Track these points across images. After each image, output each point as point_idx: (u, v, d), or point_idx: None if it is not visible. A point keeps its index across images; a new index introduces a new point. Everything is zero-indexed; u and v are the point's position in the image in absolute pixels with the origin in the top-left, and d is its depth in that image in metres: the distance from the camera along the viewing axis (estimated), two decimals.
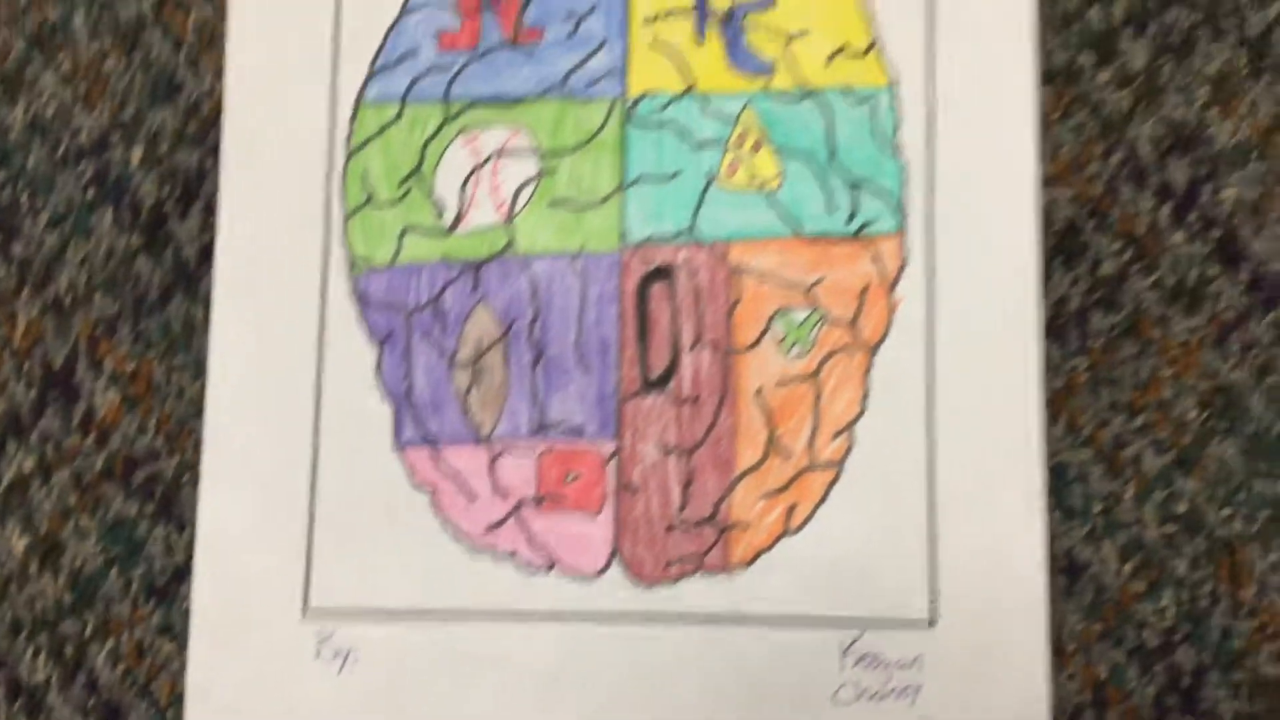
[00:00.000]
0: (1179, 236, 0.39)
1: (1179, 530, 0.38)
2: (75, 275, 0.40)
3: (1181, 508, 0.38)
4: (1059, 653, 0.37)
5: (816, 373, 0.38)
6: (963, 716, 0.37)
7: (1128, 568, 0.37)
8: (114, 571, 0.39)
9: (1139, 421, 0.38)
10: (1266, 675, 0.37)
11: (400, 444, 0.39)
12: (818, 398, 0.38)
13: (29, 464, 0.40)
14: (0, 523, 0.40)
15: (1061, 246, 0.39)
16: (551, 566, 0.38)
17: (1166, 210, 0.39)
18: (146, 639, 0.39)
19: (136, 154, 0.41)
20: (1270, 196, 0.38)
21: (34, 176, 0.41)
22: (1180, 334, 0.38)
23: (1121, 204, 0.39)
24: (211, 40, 0.41)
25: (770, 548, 0.38)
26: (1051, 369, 0.38)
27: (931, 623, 0.37)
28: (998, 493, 0.37)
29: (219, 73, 0.40)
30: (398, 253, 0.39)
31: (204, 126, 0.40)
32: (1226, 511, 0.37)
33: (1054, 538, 0.37)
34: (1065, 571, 0.37)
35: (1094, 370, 0.38)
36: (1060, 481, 0.38)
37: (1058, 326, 0.38)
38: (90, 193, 0.41)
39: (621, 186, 0.39)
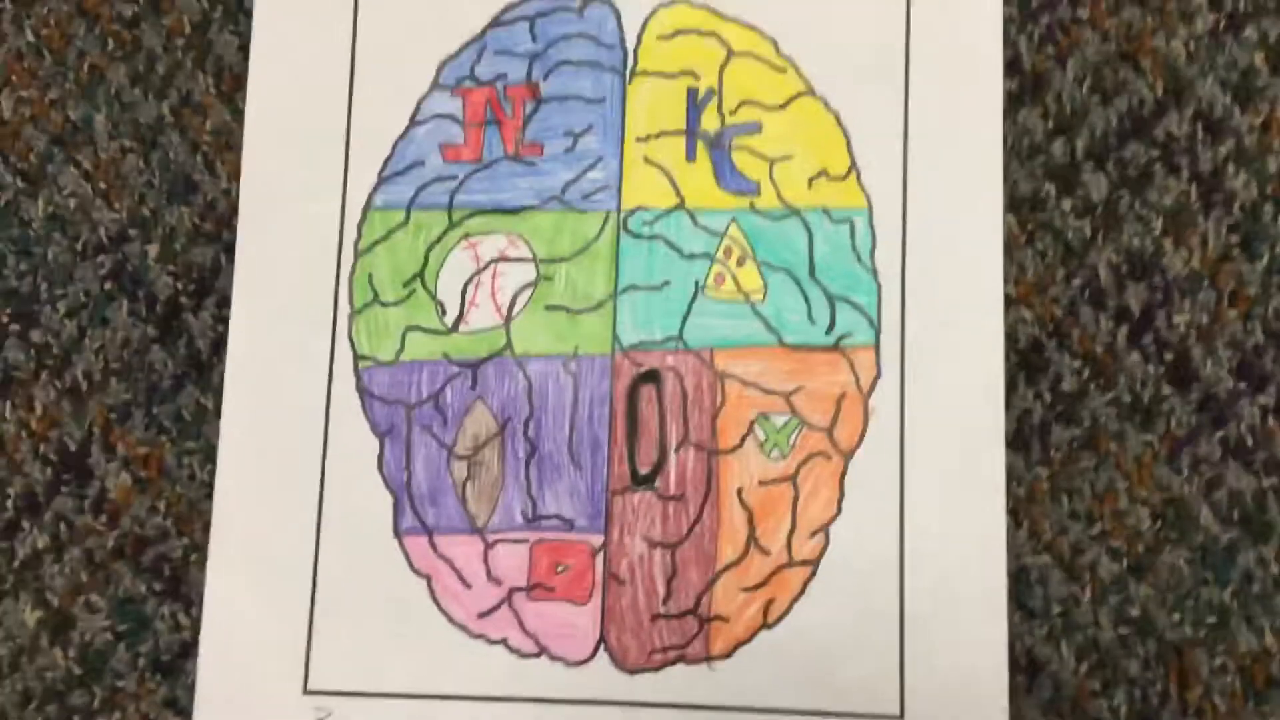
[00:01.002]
0: (1135, 357, 0.41)
1: (1132, 633, 0.40)
2: (91, 363, 0.42)
3: (1134, 611, 0.40)
4: None
5: (795, 475, 0.41)
6: None
7: (1084, 667, 0.40)
8: (122, 646, 0.41)
9: (1096, 529, 0.40)
10: None
11: (399, 532, 0.41)
12: (796, 499, 0.41)
13: (42, 541, 0.42)
14: (14, 597, 0.41)
15: (1025, 363, 0.41)
16: (541, 653, 0.40)
17: (1123, 332, 0.41)
18: (152, 712, 0.41)
19: (153, 249, 0.43)
20: (1220, 322, 0.41)
21: (54, 268, 0.43)
22: (1135, 448, 0.41)
23: (1081, 325, 0.41)
24: (228, 143, 0.43)
25: (749, 640, 0.40)
26: (1014, 478, 0.41)
27: (900, 716, 0.39)
28: (963, 593, 0.40)
29: (234, 174, 0.43)
30: (401, 350, 0.42)
31: (219, 224, 0.43)
32: (1176, 616, 0.40)
33: (1015, 637, 0.40)
34: (1025, 669, 0.40)
35: (1054, 480, 0.41)
36: (1022, 584, 0.40)
37: (1021, 438, 0.41)
38: (108, 285, 0.43)
39: (614, 294, 0.42)
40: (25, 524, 0.42)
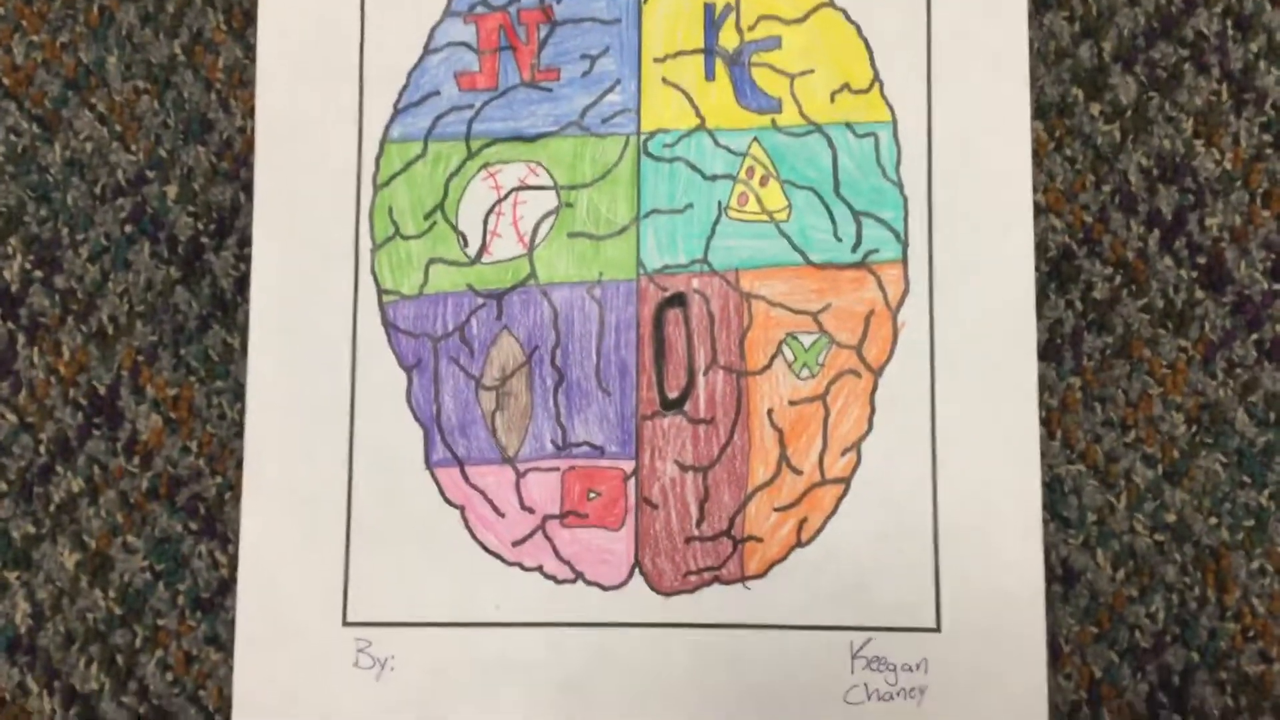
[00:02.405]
0: (1167, 262, 0.41)
1: (1168, 539, 0.40)
2: (116, 306, 0.42)
3: (1170, 518, 0.40)
4: (1056, 654, 0.39)
5: (825, 394, 0.41)
6: (966, 715, 0.39)
7: (1120, 574, 0.40)
8: (161, 585, 0.41)
9: (1130, 437, 0.40)
10: (1250, 674, 0.39)
11: (431, 464, 0.41)
12: (826, 417, 0.41)
13: (77, 485, 0.42)
14: (51, 541, 0.42)
15: (1055, 272, 0.41)
16: (576, 578, 0.40)
17: (1155, 237, 0.41)
18: (194, 649, 0.41)
19: (172, 190, 0.42)
20: (1253, 223, 0.41)
21: (74, 213, 0.43)
22: (1169, 354, 0.40)
23: (1112, 231, 0.41)
24: (241, 80, 0.43)
25: (783, 559, 0.40)
26: (1047, 388, 0.40)
27: (936, 628, 0.39)
28: (997, 505, 0.40)
29: (249, 111, 0.42)
30: (424, 283, 0.41)
31: (236, 163, 0.42)
32: (1213, 521, 0.40)
33: (1050, 546, 0.40)
34: (1061, 578, 0.40)
35: (1087, 389, 0.40)
36: (1056, 494, 0.40)
37: (1053, 348, 0.40)
38: (128, 228, 0.42)
39: (637, 218, 0.41)
40: (59, 469, 0.42)
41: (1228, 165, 0.41)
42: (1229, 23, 0.41)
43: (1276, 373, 0.40)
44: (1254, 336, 0.40)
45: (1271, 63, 0.41)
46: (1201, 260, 0.41)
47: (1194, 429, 0.40)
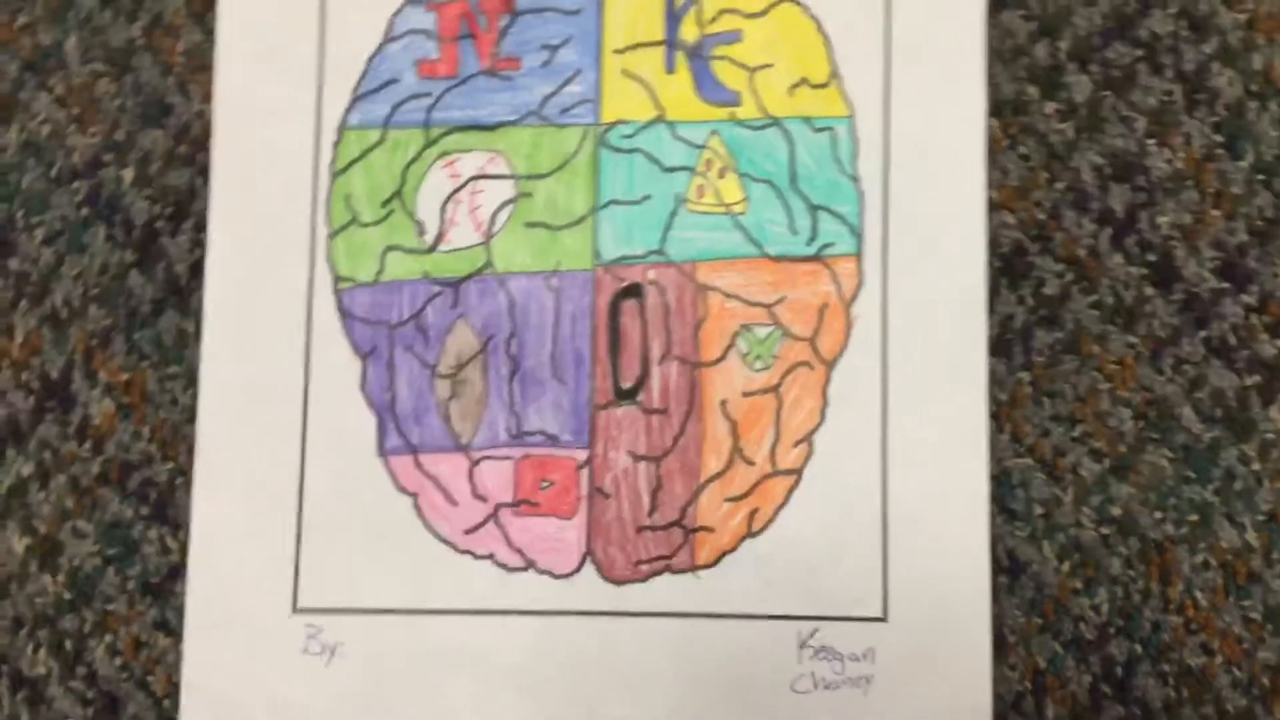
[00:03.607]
0: (1118, 259, 0.41)
1: (1113, 532, 0.40)
2: (71, 290, 0.42)
3: (1116, 511, 0.40)
4: (1001, 645, 0.40)
5: (778, 386, 0.41)
6: (911, 704, 0.39)
7: (1066, 566, 0.40)
8: (111, 570, 0.41)
9: (1078, 431, 0.41)
10: (1192, 666, 0.40)
11: (384, 451, 0.41)
12: (779, 409, 0.41)
13: (28, 469, 0.42)
14: (1, 525, 0.41)
15: (1008, 268, 0.41)
16: (528, 566, 0.41)
17: (1106, 235, 0.41)
18: (143, 634, 0.41)
19: (128, 174, 0.42)
20: (1203, 223, 0.41)
21: (29, 195, 0.42)
22: (1118, 350, 0.41)
23: (1064, 228, 0.41)
24: (200, 65, 0.42)
25: (734, 549, 0.41)
26: (997, 382, 0.41)
27: (883, 618, 0.40)
28: (946, 497, 0.40)
29: (207, 96, 0.42)
30: (381, 271, 0.41)
31: (194, 147, 0.42)
32: (1157, 515, 0.40)
33: (997, 538, 0.40)
34: (1008, 570, 0.40)
35: (1036, 383, 0.41)
36: (1004, 487, 0.40)
37: (1003, 342, 0.41)
38: (84, 211, 0.42)
39: (594, 209, 0.41)
40: (10, 452, 0.42)
41: (1179, 165, 0.41)
42: (1183, 24, 0.42)
43: (1223, 370, 0.41)
44: (1202, 334, 0.41)
45: (1224, 64, 0.42)
46: (1152, 258, 0.41)
47: (1141, 425, 0.41)
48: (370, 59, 0.42)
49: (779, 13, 0.42)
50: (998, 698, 0.40)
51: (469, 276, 0.41)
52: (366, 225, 0.42)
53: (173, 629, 0.41)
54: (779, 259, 0.41)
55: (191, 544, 0.41)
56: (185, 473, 0.41)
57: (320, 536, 0.41)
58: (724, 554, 0.41)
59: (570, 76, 0.42)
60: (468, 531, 0.41)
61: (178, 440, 0.41)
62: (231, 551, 0.41)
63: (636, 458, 0.41)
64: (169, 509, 0.41)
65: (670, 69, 0.42)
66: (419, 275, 0.41)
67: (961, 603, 0.40)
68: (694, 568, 0.40)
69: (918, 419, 0.40)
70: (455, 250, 0.42)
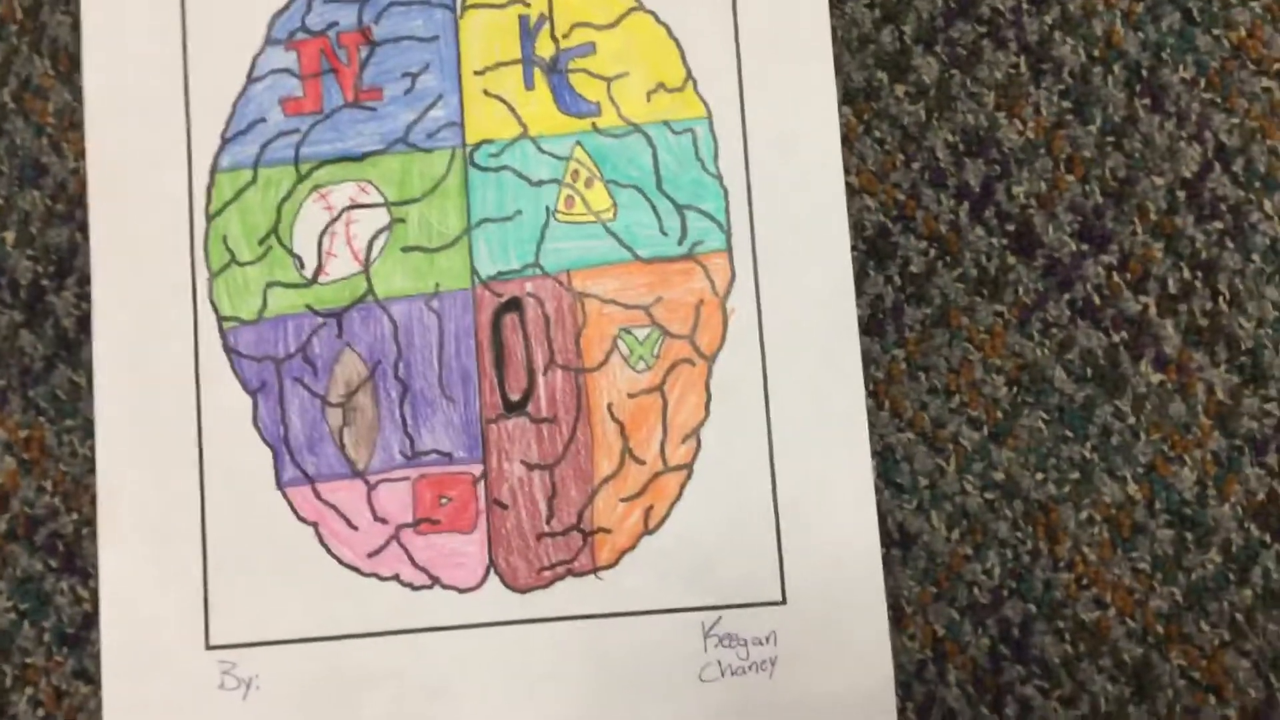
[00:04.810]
0: (978, 231, 0.42)
1: (998, 497, 0.41)
2: None
3: (998, 476, 0.41)
4: (899, 616, 0.41)
5: (662, 384, 0.42)
6: (816, 682, 0.40)
7: (955, 534, 0.41)
8: (26, 624, 0.42)
9: (954, 402, 0.42)
10: (1086, 621, 0.41)
11: (282, 484, 0.42)
12: (665, 407, 0.42)
13: None
14: None
15: (872, 249, 0.42)
16: (433, 584, 0.41)
17: (965, 209, 0.42)
18: (63, 684, 0.42)
19: (10, 235, 0.43)
20: (1058, 189, 0.42)
21: None
22: (985, 320, 0.42)
23: (924, 206, 0.42)
24: (71, 123, 0.43)
25: (633, 547, 0.41)
26: (872, 361, 0.42)
27: (782, 601, 0.41)
28: (833, 477, 0.41)
29: (81, 153, 0.43)
30: (264, 307, 0.42)
31: (71, 204, 0.43)
32: (1039, 477, 0.41)
33: (886, 513, 0.41)
34: (899, 542, 0.41)
35: (910, 359, 0.42)
36: (888, 461, 0.41)
37: (875, 322, 0.42)
38: None
39: (468, 228, 0.42)
40: None
41: (1030, 135, 0.42)
42: None
43: (1090, 330, 0.42)
44: (1066, 297, 0.42)
45: (1066, 33, 0.43)
46: (1011, 228, 0.42)
47: (1015, 390, 0.42)
48: (236, 101, 0.43)
49: (630, 22, 0.43)
50: (899, 668, 0.41)
51: (351, 305, 0.42)
52: (245, 264, 0.42)
53: (91, 677, 0.41)
54: (652, 261, 0.42)
55: (102, 591, 0.41)
56: (90, 522, 0.42)
57: (227, 573, 0.41)
58: (624, 553, 0.41)
59: (433, 101, 0.43)
60: (371, 555, 0.42)
61: (80, 491, 0.42)
62: (141, 595, 0.41)
63: (530, 467, 0.42)
64: (77, 559, 0.42)
65: (529, 85, 0.43)
66: (302, 308, 0.42)
67: (857, 579, 0.41)
68: (595, 569, 0.41)
69: (799, 404, 0.41)
70: (335, 281, 0.42)
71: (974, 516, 0.41)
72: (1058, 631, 0.41)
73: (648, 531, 0.41)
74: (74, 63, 0.43)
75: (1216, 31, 0.43)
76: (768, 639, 0.41)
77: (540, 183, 0.42)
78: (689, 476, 0.42)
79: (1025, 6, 0.43)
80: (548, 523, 0.42)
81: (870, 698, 0.40)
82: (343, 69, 0.43)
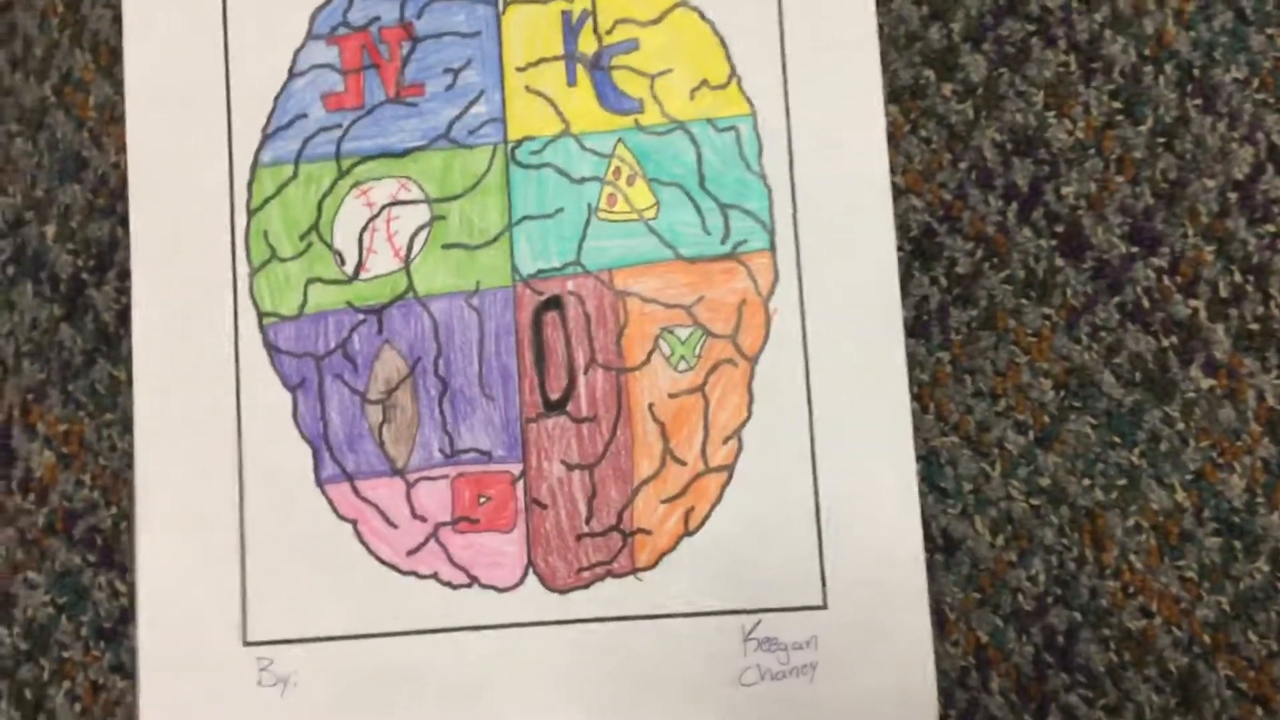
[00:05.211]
0: (1026, 233, 0.42)
1: (1044, 502, 0.41)
2: (3, 347, 0.43)
3: (1044, 482, 0.41)
4: (941, 622, 0.40)
5: (703, 385, 0.41)
6: (857, 688, 0.40)
7: (999, 540, 0.41)
8: (64, 618, 0.42)
9: (1000, 405, 0.41)
10: (1132, 629, 0.40)
11: (321, 481, 0.41)
12: (706, 407, 0.41)
13: None
14: None
15: (918, 250, 0.42)
16: (471, 583, 0.41)
17: (1013, 210, 0.42)
18: (100, 678, 0.42)
19: (51, 230, 0.43)
20: (1108, 190, 0.42)
21: None
22: (1033, 322, 0.41)
23: (971, 207, 0.42)
24: (112, 117, 0.43)
25: (673, 549, 0.41)
26: (917, 364, 0.41)
27: (824, 605, 0.40)
28: (876, 480, 0.41)
29: (122, 147, 0.43)
30: (304, 303, 0.42)
31: (112, 198, 0.43)
32: (1086, 482, 0.41)
33: (930, 517, 0.41)
34: (942, 548, 0.41)
35: (956, 362, 0.41)
36: (932, 466, 0.41)
37: (920, 324, 0.41)
38: (10, 269, 0.43)
39: (509, 225, 0.42)
40: None
41: (1080, 135, 0.42)
42: None
43: (1139, 334, 0.41)
44: (1115, 300, 0.41)
45: (1117, 31, 0.42)
46: (1059, 229, 0.42)
47: (1062, 394, 0.41)
48: (277, 96, 0.43)
49: (674, 18, 0.42)
50: (942, 674, 0.40)
51: (391, 302, 0.42)
52: (286, 260, 0.42)
53: (128, 671, 0.41)
54: (694, 260, 0.42)
55: (139, 586, 0.41)
56: (128, 517, 0.42)
57: (265, 569, 0.41)
58: (663, 555, 0.41)
59: (474, 98, 0.42)
60: (410, 553, 0.41)
61: (119, 486, 0.42)
62: (179, 590, 0.41)
63: (570, 466, 0.41)
64: (115, 554, 0.42)
65: (572, 82, 0.42)
66: (342, 305, 0.42)
67: (899, 584, 0.40)
68: (635, 570, 0.41)
69: (842, 406, 0.41)
70: (376, 277, 0.42)
71: (1019, 522, 0.41)
72: (1103, 640, 0.40)
73: (688, 533, 0.41)
74: (115, 56, 0.43)
75: (1270, 31, 0.42)
76: (808, 643, 0.40)
77: (582, 180, 0.42)
78: (730, 478, 0.41)
79: (1075, 4, 0.42)
80: (587, 523, 0.41)
81: (912, 704, 0.40)
82: (384, 64, 0.43)
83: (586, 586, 0.41)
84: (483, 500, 0.41)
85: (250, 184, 0.42)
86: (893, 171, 0.42)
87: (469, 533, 0.41)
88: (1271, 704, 0.40)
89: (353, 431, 0.42)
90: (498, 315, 0.42)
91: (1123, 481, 0.41)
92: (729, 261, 0.42)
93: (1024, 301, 0.41)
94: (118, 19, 0.43)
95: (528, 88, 0.42)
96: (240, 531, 0.41)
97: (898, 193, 0.42)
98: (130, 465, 0.42)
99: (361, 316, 0.42)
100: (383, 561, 0.41)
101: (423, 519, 0.41)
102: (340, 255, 0.42)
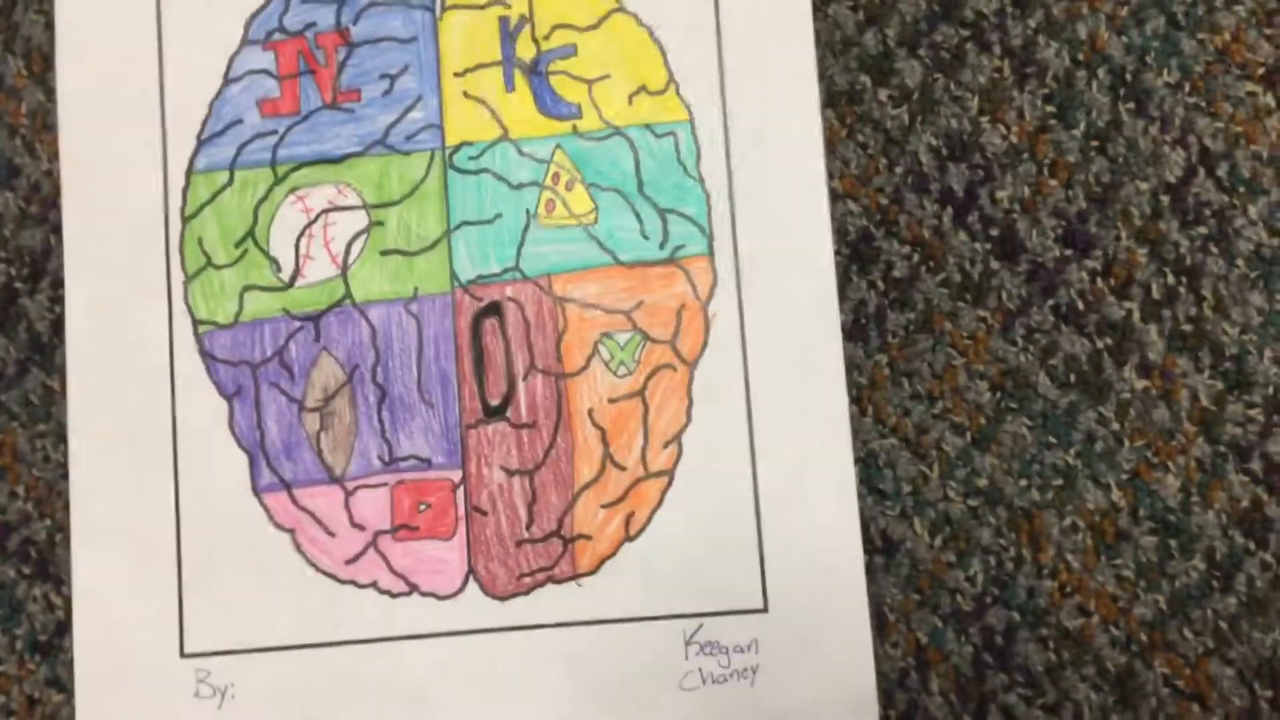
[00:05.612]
0: (962, 236, 0.42)
1: (981, 504, 0.41)
2: None
3: (982, 483, 0.41)
4: (881, 624, 0.41)
5: (643, 390, 0.41)
6: (798, 690, 0.40)
7: (938, 541, 0.41)
8: None
9: (938, 407, 0.41)
10: (1070, 628, 0.41)
11: (258, 490, 0.41)
12: (646, 412, 0.41)
13: None
14: None
15: (856, 254, 0.42)
16: (411, 591, 0.41)
17: (948, 214, 0.42)
18: (35, 692, 0.41)
19: None
20: (1042, 193, 0.42)
21: None
22: (969, 325, 0.42)
23: (907, 211, 0.42)
24: (45, 124, 0.43)
25: (614, 554, 0.41)
26: (855, 366, 0.41)
27: (764, 608, 0.40)
28: (814, 483, 0.41)
29: (55, 154, 0.42)
30: (240, 311, 0.42)
31: (45, 206, 0.42)
32: (1023, 483, 0.41)
33: (869, 519, 0.41)
34: (881, 549, 0.41)
35: (893, 364, 0.42)
36: (871, 468, 0.41)
37: (858, 327, 0.42)
38: None
39: (448, 231, 0.42)
40: None
41: (1014, 139, 0.42)
42: (1008, 1, 0.43)
43: (1073, 336, 0.41)
44: (1050, 302, 0.42)
45: (1050, 37, 0.43)
46: (994, 233, 0.42)
47: (998, 396, 0.41)
48: (212, 102, 0.42)
49: (611, 24, 0.42)
50: (882, 676, 0.40)
51: (329, 309, 0.42)
52: (222, 267, 0.42)
53: (64, 685, 0.41)
54: (633, 265, 0.42)
55: (75, 598, 0.41)
56: (64, 529, 0.41)
57: (202, 579, 0.41)
58: (604, 560, 0.41)
59: (412, 103, 0.42)
60: (348, 562, 0.41)
61: (53, 497, 0.42)
62: (115, 602, 0.41)
63: (510, 473, 0.41)
64: (50, 566, 0.41)
65: (510, 87, 0.42)
66: (278, 312, 0.42)
67: (839, 586, 0.40)
68: (575, 576, 0.41)
69: (781, 410, 0.41)
70: (313, 284, 0.42)
71: (957, 523, 0.41)
72: (1041, 639, 0.41)
73: (628, 538, 0.41)
74: (47, 63, 0.43)
75: (1201, 35, 0.43)
76: (749, 647, 0.40)
77: (521, 186, 0.42)
78: (670, 483, 0.41)
79: (1009, 10, 0.43)
80: (527, 529, 0.41)
81: (853, 706, 0.40)
82: (321, 70, 0.42)
83: (527, 593, 0.41)
84: (422, 508, 0.41)
85: (185, 191, 0.42)
86: (830, 176, 0.42)
87: (409, 540, 0.41)
88: (1208, 701, 0.40)
89: (290, 440, 0.41)
90: (436, 322, 0.42)
91: (1059, 482, 0.41)
92: (668, 266, 0.42)
93: (960, 304, 0.42)
94: (50, 25, 0.43)
95: (465, 93, 0.42)
96: (177, 542, 0.41)
97: (835, 197, 0.42)
98: (65, 476, 0.41)
99: (298, 324, 0.42)
100: (321, 571, 0.41)
101: (361, 527, 0.41)
102: (276, 262, 0.42)
